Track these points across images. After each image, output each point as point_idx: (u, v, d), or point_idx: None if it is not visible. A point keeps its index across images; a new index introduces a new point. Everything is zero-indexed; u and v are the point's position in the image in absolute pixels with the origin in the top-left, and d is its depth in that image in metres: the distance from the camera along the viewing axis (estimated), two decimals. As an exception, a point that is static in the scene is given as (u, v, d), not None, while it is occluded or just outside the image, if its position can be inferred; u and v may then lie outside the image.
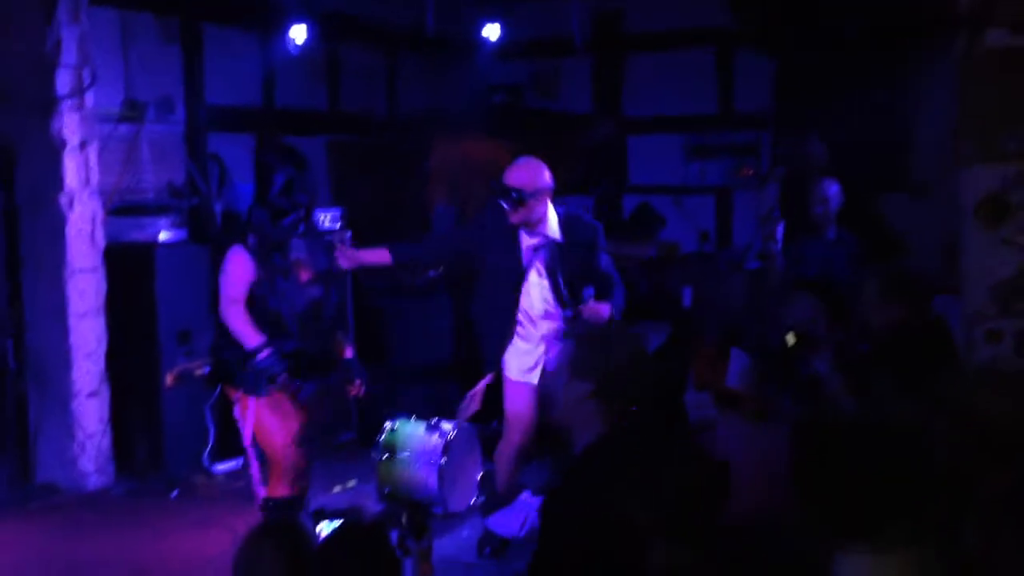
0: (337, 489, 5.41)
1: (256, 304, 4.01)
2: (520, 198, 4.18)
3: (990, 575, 1.86)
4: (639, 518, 2.14)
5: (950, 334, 3.53)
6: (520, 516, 4.06)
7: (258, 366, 3.93)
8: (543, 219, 4.29)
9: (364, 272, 6.75)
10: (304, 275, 4.10)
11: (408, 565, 2.85)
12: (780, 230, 5.12)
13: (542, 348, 4.41)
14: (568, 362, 2.58)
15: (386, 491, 5.12)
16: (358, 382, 4.32)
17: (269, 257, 4.00)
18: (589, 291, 4.34)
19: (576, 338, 2.81)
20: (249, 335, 3.98)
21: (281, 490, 3.96)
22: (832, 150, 5.79)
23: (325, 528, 2.85)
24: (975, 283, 3.64)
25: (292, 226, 4.00)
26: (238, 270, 4.03)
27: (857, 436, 2.01)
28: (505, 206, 4.22)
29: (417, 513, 2.86)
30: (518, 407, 4.45)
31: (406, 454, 5.10)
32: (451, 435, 4.85)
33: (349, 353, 4.35)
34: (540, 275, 4.34)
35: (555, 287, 4.32)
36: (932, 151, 6.17)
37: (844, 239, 5.24)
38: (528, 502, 4.17)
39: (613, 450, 2.40)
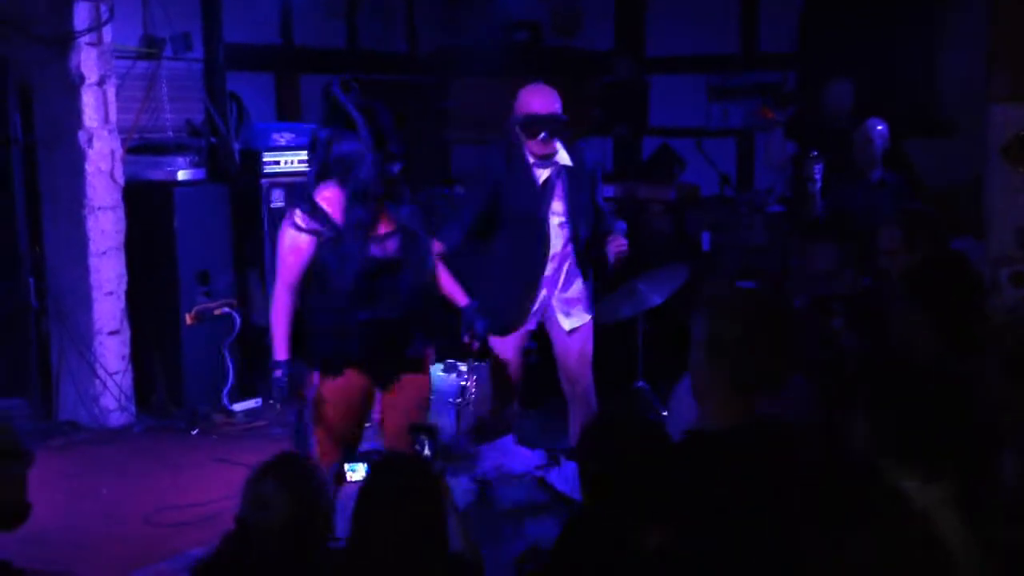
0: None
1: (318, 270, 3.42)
2: (559, 123, 3.97)
3: None
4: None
5: (975, 271, 3.46)
6: (496, 459, 4.02)
7: (275, 383, 3.41)
8: (557, 148, 4.10)
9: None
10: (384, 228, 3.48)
11: None
12: (819, 171, 5.01)
13: (544, 292, 4.22)
14: None
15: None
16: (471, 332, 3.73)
17: (353, 208, 3.38)
18: (621, 224, 4.25)
19: None
20: (280, 346, 3.41)
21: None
22: (858, 89, 5.67)
23: (351, 471, 2.84)
24: (999, 225, 3.59)
25: (399, 174, 3.54)
26: (298, 246, 3.39)
27: (900, 377, 2.05)
28: (543, 135, 3.95)
29: (432, 437, 2.86)
30: (508, 353, 4.27)
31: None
32: (467, 375, 4.87)
33: (463, 301, 3.75)
34: (556, 210, 4.14)
35: (572, 219, 4.12)
36: (958, 90, 6.05)
37: (888, 180, 5.12)
38: (507, 447, 4.15)
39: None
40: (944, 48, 6.29)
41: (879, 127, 5.13)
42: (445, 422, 5.01)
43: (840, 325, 3.77)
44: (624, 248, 4.10)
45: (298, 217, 3.38)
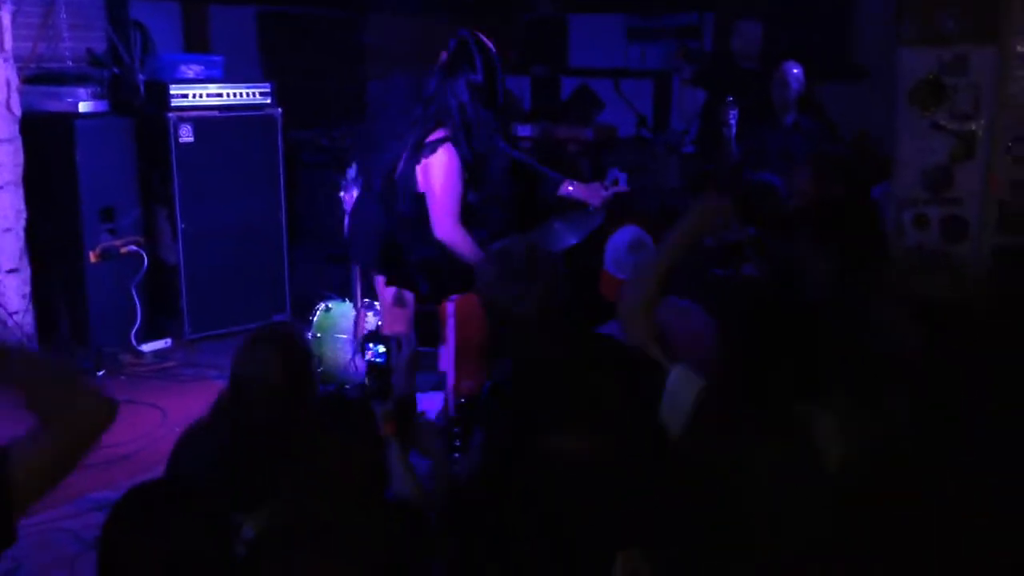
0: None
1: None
2: None
3: (917, 441, 1.95)
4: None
5: (880, 218, 3.55)
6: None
7: None
8: None
9: (300, 145, 6.59)
10: None
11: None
12: (734, 116, 5.05)
13: None
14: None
15: (319, 371, 5.11)
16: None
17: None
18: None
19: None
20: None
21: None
22: (773, 32, 5.70)
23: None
24: (906, 168, 3.65)
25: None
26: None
27: (798, 315, 2.15)
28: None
29: (383, 377, 2.88)
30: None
31: (338, 335, 5.09)
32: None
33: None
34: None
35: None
36: (873, 33, 6.13)
37: (803, 124, 5.19)
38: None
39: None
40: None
41: (795, 70, 5.18)
42: (360, 362, 4.99)
43: (750, 270, 3.83)
44: None
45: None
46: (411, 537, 2.17)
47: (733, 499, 1.83)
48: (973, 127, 3.51)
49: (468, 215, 3.78)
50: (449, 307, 3.62)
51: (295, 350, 2.63)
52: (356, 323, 4.69)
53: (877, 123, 5.48)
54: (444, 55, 3.78)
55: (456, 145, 3.67)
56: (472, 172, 3.73)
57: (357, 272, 4.67)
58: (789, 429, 1.89)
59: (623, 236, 3.78)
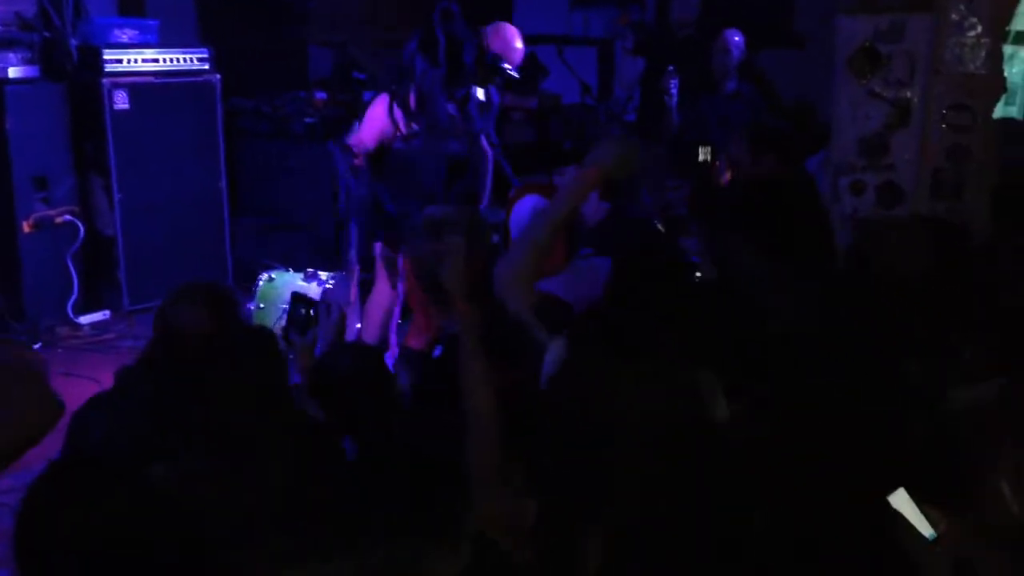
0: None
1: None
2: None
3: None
4: None
5: (816, 191, 3.57)
6: None
7: None
8: None
9: (240, 113, 6.50)
10: None
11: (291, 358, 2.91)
12: (675, 85, 5.07)
13: None
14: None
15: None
16: None
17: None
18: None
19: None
20: None
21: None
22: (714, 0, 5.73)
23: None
24: (843, 135, 3.70)
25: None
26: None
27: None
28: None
29: (303, 308, 2.91)
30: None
31: (281, 305, 5.04)
32: (328, 285, 4.80)
33: None
34: None
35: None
36: (815, 4, 6.18)
37: (743, 92, 5.22)
38: None
39: None
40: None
41: (735, 38, 5.21)
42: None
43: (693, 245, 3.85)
44: None
45: None
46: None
47: (604, 443, 1.80)
48: (908, 94, 3.56)
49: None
50: (399, 259, 3.71)
51: (222, 299, 2.69)
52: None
53: (816, 90, 5.54)
54: (412, 42, 3.95)
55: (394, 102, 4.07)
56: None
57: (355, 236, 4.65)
58: (668, 377, 1.87)
59: (524, 206, 3.80)
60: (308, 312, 2.95)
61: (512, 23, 7.56)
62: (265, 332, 2.62)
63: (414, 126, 4.19)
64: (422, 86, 4.08)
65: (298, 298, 3.03)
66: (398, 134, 4.14)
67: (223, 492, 2.00)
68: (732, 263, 2.74)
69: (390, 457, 2.10)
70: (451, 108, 4.21)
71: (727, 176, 3.60)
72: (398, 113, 4.13)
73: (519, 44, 4.23)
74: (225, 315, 2.64)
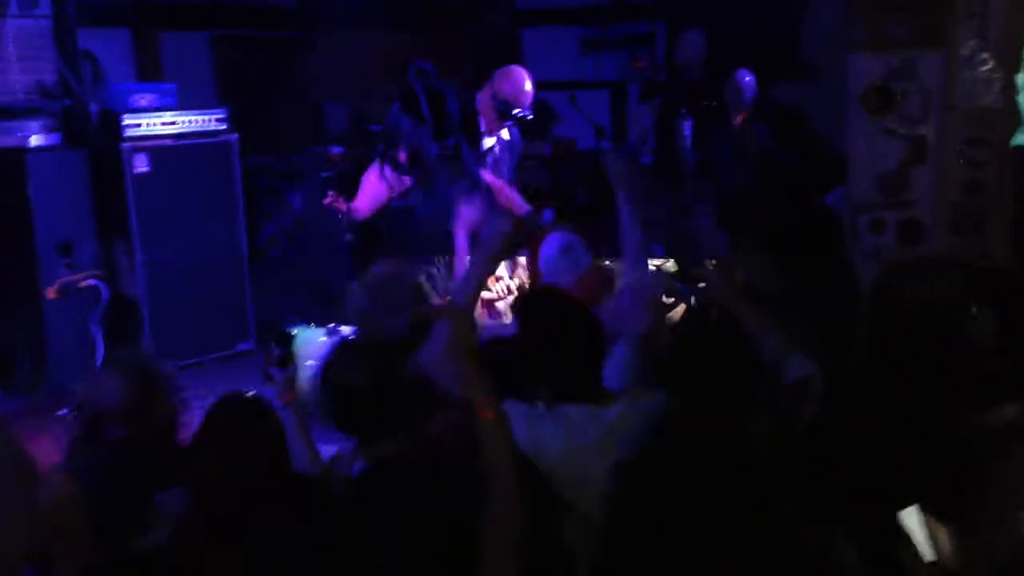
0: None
1: None
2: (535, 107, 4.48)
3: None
4: None
5: (833, 222, 3.56)
6: None
7: None
8: None
9: (256, 170, 6.58)
10: None
11: (273, 392, 2.90)
12: (688, 127, 5.10)
13: None
14: None
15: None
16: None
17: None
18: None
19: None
20: None
21: None
22: (723, 37, 5.74)
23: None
24: (860, 172, 3.71)
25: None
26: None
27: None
28: (523, 114, 4.35)
29: (283, 342, 2.92)
30: None
31: (305, 361, 5.05)
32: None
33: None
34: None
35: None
36: (821, 36, 6.21)
37: (756, 129, 5.23)
38: None
39: None
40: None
41: (747, 78, 5.23)
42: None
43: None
44: None
45: None
46: (317, 513, 2.17)
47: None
48: (923, 131, 3.57)
49: None
50: None
51: (143, 372, 2.69)
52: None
53: (827, 122, 5.55)
54: (394, 105, 4.05)
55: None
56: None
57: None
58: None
59: (551, 245, 3.81)
60: (287, 348, 2.96)
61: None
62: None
63: (407, 180, 4.27)
64: (412, 143, 4.16)
65: (278, 335, 3.07)
66: (393, 194, 4.22)
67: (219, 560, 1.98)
68: (760, 284, 2.77)
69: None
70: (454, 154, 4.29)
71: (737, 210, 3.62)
72: (389, 173, 4.20)
73: (529, 86, 4.29)
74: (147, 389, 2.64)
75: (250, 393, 2.66)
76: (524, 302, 2.63)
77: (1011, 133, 3.57)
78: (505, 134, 4.50)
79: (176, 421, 2.72)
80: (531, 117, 4.37)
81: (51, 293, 5.33)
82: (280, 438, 2.30)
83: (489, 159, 4.54)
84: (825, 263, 2.92)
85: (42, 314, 5.31)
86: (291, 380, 2.86)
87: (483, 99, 4.26)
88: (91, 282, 5.48)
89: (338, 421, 2.48)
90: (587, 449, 2.32)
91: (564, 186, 6.54)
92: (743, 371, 2.32)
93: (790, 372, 2.49)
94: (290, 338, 3.01)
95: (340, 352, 2.60)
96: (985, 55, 3.44)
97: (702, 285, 2.88)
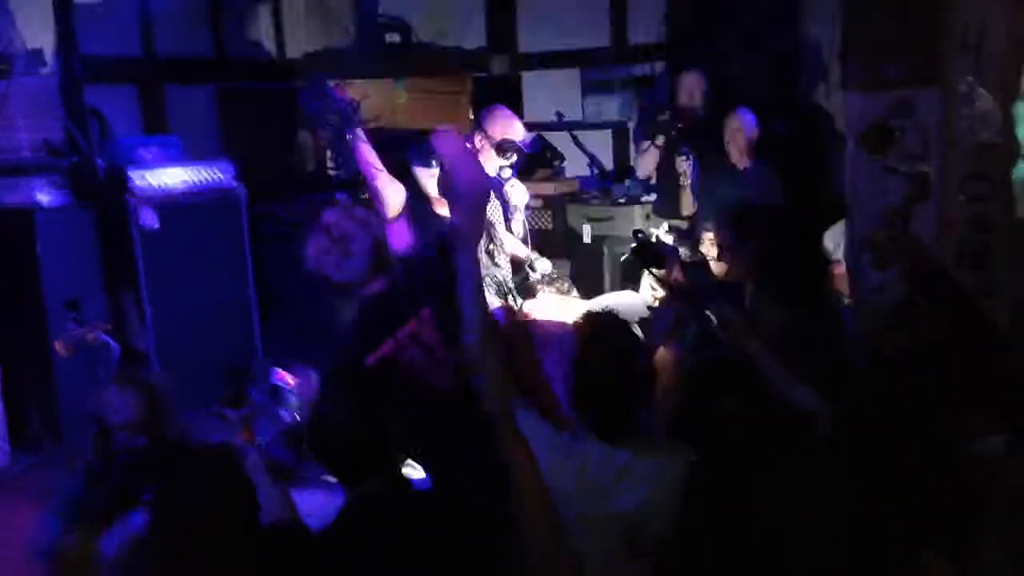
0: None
1: None
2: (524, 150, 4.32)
3: None
4: None
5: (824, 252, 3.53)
6: None
7: None
8: None
9: (260, 219, 6.62)
10: None
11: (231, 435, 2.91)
12: (691, 166, 5.11)
13: None
14: None
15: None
16: None
17: None
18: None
19: None
20: None
21: None
22: (724, 77, 5.77)
23: None
24: (862, 210, 3.71)
25: None
26: None
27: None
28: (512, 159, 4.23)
29: (237, 382, 2.95)
30: None
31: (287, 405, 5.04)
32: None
33: None
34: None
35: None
36: (819, 74, 6.24)
37: (759, 170, 5.23)
38: None
39: None
40: (807, 29, 6.44)
41: (746, 117, 5.25)
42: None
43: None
44: None
45: None
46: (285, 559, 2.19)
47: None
48: (925, 168, 3.57)
49: None
50: None
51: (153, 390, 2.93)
52: None
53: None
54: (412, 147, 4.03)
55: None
56: None
57: None
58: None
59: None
60: (241, 387, 2.98)
61: (524, 111, 7.76)
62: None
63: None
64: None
65: (230, 373, 3.10)
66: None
67: None
68: (762, 319, 2.80)
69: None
70: None
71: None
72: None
73: (518, 123, 4.28)
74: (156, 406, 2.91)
75: (217, 442, 2.71)
76: (587, 324, 2.61)
77: (1012, 168, 3.57)
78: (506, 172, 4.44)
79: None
80: (527, 150, 4.36)
81: (60, 348, 5.35)
82: (245, 489, 2.30)
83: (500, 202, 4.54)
84: (815, 304, 2.97)
85: (52, 370, 5.33)
86: (247, 420, 2.88)
87: (476, 144, 4.25)
88: (100, 337, 5.50)
89: (325, 459, 2.48)
90: (593, 491, 2.34)
91: (569, 226, 6.56)
92: (766, 423, 2.32)
93: (798, 405, 2.51)
94: (244, 377, 3.04)
95: (328, 389, 2.62)
96: (982, 91, 3.44)
97: (714, 319, 2.89)
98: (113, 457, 2.85)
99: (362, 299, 3.23)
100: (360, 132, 3.70)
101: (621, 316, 2.69)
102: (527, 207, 6.56)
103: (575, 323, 2.71)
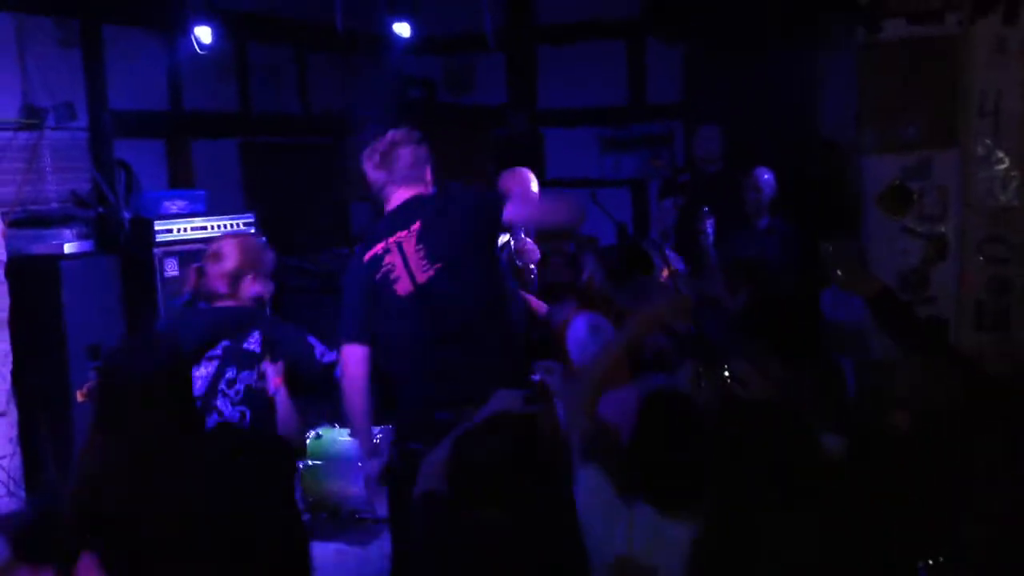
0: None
1: None
2: None
3: None
4: None
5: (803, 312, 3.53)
6: None
7: None
8: None
9: (284, 271, 6.68)
10: None
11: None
12: (710, 224, 5.15)
13: None
14: None
15: (311, 500, 5.06)
16: None
17: None
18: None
19: None
20: None
21: None
22: (740, 137, 5.83)
23: None
24: (882, 270, 3.72)
25: None
26: None
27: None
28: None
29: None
30: None
31: (330, 461, 5.05)
32: (376, 439, 4.81)
33: None
34: None
35: None
36: (838, 132, 6.29)
37: (777, 227, 5.26)
38: None
39: None
40: (823, 96, 6.52)
41: (765, 176, 5.29)
42: (354, 489, 4.94)
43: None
44: None
45: None
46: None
47: None
48: (942, 229, 3.60)
49: None
50: None
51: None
52: None
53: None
54: None
55: None
56: None
57: None
58: None
59: (579, 326, 3.79)
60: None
61: (545, 169, 7.85)
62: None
63: None
64: None
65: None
66: None
67: None
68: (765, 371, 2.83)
69: None
70: None
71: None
72: None
73: (535, 183, 4.34)
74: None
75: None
76: (648, 404, 2.63)
77: (1030, 230, 3.60)
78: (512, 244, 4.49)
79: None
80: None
81: (81, 396, 5.38)
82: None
83: (504, 255, 4.52)
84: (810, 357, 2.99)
85: (71, 417, 5.36)
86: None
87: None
88: (120, 385, 5.54)
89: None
90: (635, 540, 2.44)
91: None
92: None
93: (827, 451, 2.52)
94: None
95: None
96: (1000, 154, 3.48)
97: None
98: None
99: None
100: None
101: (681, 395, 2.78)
102: (551, 262, 6.64)
103: (638, 399, 2.74)
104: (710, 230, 5.08)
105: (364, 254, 3.24)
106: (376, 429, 4.86)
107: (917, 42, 3.74)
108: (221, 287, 3.29)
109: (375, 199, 3.53)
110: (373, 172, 3.35)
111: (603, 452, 2.58)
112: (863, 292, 2.57)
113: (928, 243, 3.56)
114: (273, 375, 3.16)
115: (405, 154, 3.29)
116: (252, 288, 3.30)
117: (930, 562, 2.12)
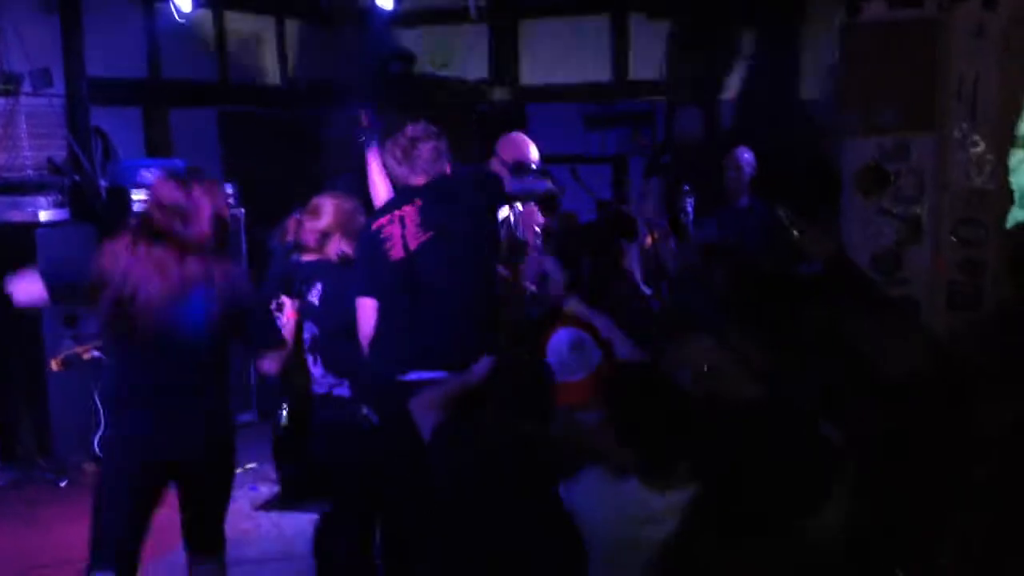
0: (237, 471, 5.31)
1: None
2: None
3: None
4: None
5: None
6: None
7: None
8: None
9: (263, 243, 6.65)
10: None
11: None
12: (691, 203, 5.15)
13: None
14: None
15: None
16: None
17: None
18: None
19: None
20: None
21: None
22: (722, 116, 5.83)
23: None
24: (858, 251, 3.76)
25: None
26: None
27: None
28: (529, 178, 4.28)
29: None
30: None
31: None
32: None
33: None
34: None
35: None
36: (820, 116, 6.30)
37: (756, 207, 5.27)
38: None
39: None
40: (805, 75, 6.53)
41: (745, 155, 5.30)
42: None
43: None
44: None
45: None
46: None
47: None
48: (917, 211, 3.62)
49: None
50: None
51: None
52: None
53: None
54: None
55: None
56: None
57: None
58: None
59: (560, 339, 3.78)
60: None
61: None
62: None
63: None
64: None
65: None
66: None
67: None
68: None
69: None
70: None
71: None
72: None
73: (532, 147, 4.34)
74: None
75: None
76: (614, 388, 2.73)
77: (1004, 213, 3.63)
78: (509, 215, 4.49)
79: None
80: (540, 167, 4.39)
81: (55, 365, 5.35)
82: None
83: (504, 230, 4.52)
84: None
85: (46, 385, 5.34)
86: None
87: (493, 170, 4.29)
88: (95, 354, 5.51)
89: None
90: (630, 520, 2.49)
91: (566, 259, 6.59)
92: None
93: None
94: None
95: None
96: (976, 137, 3.51)
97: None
98: None
99: None
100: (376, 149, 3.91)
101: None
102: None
103: (612, 376, 2.79)
104: (690, 209, 5.08)
105: (372, 224, 3.43)
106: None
107: (897, 25, 3.75)
108: (311, 241, 3.59)
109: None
110: (396, 167, 3.54)
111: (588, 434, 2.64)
112: (820, 253, 2.64)
113: (903, 224, 3.59)
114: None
115: (426, 149, 3.46)
116: (338, 247, 3.58)
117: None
